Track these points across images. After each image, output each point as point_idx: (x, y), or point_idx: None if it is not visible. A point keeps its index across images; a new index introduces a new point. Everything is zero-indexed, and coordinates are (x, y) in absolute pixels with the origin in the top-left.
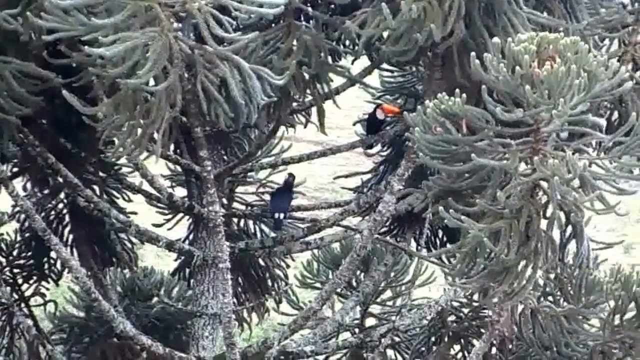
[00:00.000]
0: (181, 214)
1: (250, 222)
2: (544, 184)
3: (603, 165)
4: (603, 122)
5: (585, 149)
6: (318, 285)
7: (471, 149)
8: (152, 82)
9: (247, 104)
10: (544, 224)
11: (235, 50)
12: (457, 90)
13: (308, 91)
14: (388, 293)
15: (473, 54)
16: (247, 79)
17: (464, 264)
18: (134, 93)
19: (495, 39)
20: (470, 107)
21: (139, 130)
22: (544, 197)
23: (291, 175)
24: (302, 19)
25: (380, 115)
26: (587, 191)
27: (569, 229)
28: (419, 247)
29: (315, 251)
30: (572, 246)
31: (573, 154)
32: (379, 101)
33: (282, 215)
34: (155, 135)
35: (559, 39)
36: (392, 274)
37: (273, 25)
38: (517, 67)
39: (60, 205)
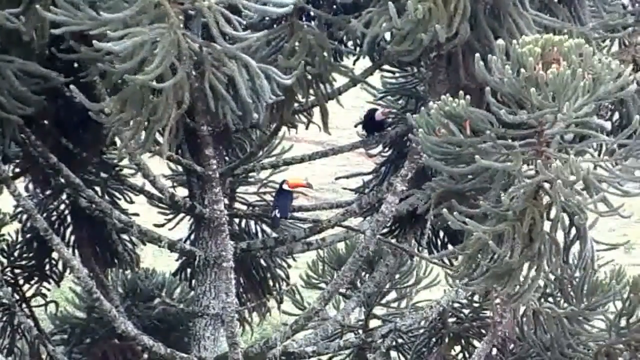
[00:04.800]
0: (182, 215)
1: (252, 222)
2: (547, 186)
3: (607, 168)
4: (608, 124)
5: (588, 151)
6: (323, 285)
7: (475, 150)
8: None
9: (255, 103)
10: (547, 226)
11: (242, 49)
12: (461, 92)
13: (311, 91)
14: (393, 294)
15: (477, 55)
16: (255, 77)
17: (467, 266)
18: (141, 90)
19: (500, 41)
20: (474, 109)
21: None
22: (547, 198)
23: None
24: (305, 18)
25: (378, 117)
26: (591, 193)
27: (573, 230)
28: (420, 248)
29: (321, 251)
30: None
31: (576, 155)
32: (381, 102)
33: (278, 214)
34: (160, 138)
35: (563, 41)
36: (397, 276)
37: (275, 24)
38: (522, 69)
39: (62, 206)
